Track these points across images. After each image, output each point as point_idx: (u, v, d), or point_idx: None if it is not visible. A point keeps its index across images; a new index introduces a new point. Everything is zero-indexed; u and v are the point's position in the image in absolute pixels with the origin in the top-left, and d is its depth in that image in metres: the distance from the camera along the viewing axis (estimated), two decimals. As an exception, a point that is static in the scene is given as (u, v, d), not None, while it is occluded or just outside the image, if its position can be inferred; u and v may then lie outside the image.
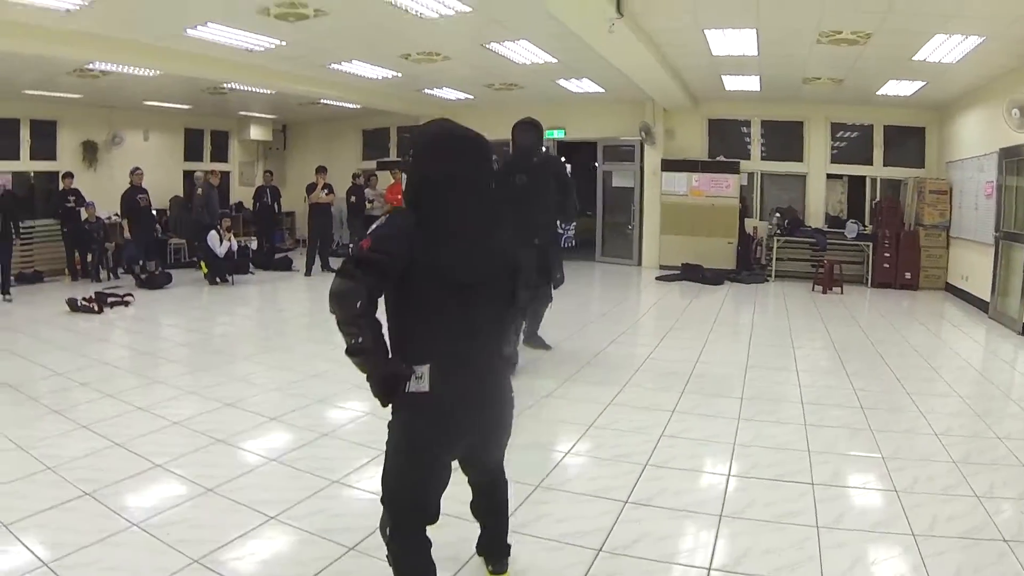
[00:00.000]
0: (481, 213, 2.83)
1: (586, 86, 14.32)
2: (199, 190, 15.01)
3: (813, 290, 13.35)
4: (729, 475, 4.76)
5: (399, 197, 16.00)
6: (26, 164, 15.83)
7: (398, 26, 9.77)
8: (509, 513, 3.44)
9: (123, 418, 5.70)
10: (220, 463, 4.82)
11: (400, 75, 13.51)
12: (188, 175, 18.14)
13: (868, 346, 8.91)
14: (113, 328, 10.05)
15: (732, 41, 10.14)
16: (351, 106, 17.16)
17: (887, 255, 13.99)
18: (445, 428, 2.76)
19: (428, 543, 2.87)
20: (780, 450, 5.18)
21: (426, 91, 15.54)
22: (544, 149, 7.52)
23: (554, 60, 11.80)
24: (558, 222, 7.83)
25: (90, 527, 3.81)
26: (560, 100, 15.78)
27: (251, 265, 15.40)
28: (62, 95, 14.79)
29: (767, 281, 14.47)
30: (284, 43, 10.70)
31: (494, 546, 3.35)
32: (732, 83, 13.37)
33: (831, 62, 11.04)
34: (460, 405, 2.75)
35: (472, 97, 15.98)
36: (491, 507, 3.30)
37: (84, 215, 14.31)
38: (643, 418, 5.87)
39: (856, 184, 15.77)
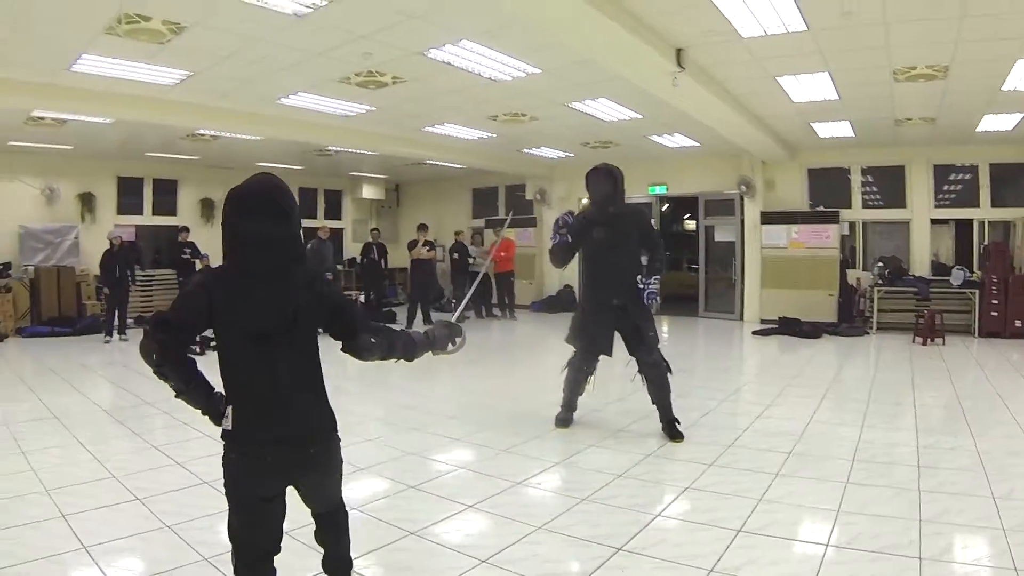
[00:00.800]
0: (269, 265, 2.95)
1: (680, 140, 14.50)
2: (310, 244, 16.31)
3: (913, 342, 12.77)
4: (828, 545, 4.29)
5: (502, 254, 16.90)
6: (149, 219, 17.68)
7: (475, 90, 10.44)
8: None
9: (192, 443, 6.47)
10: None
11: (495, 136, 14.22)
12: (305, 231, 19.40)
13: (956, 405, 8.08)
14: (207, 367, 11.02)
15: (808, 87, 10.14)
16: (457, 166, 17.98)
17: (995, 302, 13.34)
18: (247, 466, 2.94)
19: (270, 570, 3.08)
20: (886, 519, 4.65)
21: (525, 151, 16.29)
22: (622, 197, 6.72)
23: (639, 115, 12.13)
24: (638, 277, 6.99)
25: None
26: (658, 156, 16.01)
27: None
28: (181, 157, 16.40)
29: (867, 334, 14.08)
30: (374, 108, 11.60)
31: (337, 568, 3.43)
32: (824, 130, 13.29)
33: (918, 100, 10.77)
34: (259, 445, 2.92)
35: (572, 155, 16.53)
36: (330, 538, 3.40)
37: (199, 266, 15.69)
38: (743, 480, 5.53)
39: (963, 228, 15.27)
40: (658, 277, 7.58)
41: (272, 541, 3.07)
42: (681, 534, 4.53)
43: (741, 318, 16.15)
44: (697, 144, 14.76)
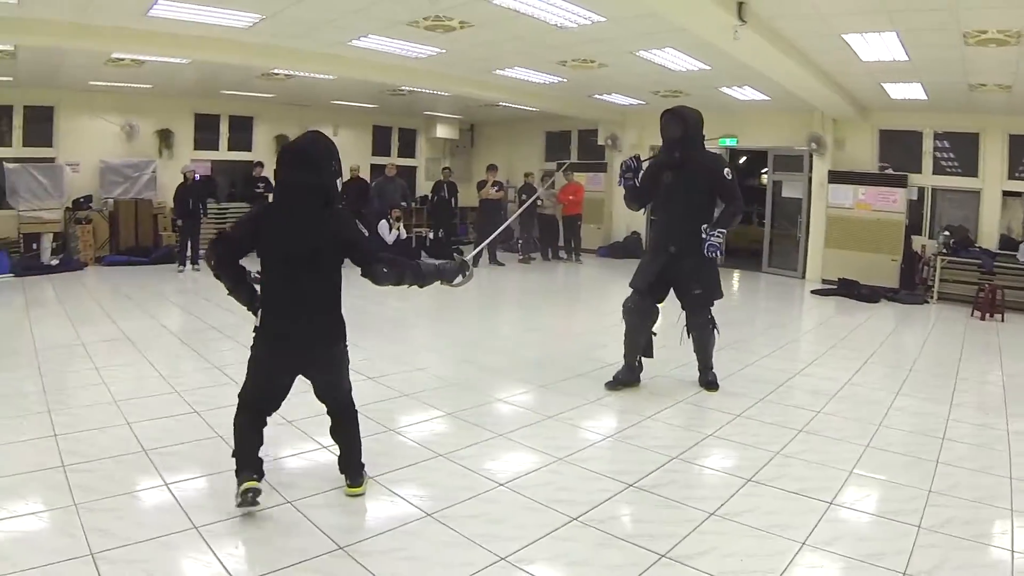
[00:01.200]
0: (300, 206, 4.04)
1: (750, 94, 14.39)
2: (375, 182, 17.24)
3: (972, 315, 12.40)
4: (831, 503, 4.44)
5: (571, 198, 17.10)
6: (224, 154, 18.41)
7: (542, 36, 10.54)
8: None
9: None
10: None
11: (565, 80, 14.29)
12: (376, 168, 20.11)
13: (999, 383, 7.89)
14: None
15: (876, 46, 9.87)
16: (530, 108, 18.10)
17: (1061, 281, 12.86)
18: (265, 354, 4.13)
19: (260, 422, 4.23)
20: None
21: (596, 96, 16.36)
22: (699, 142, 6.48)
23: (707, 67, 12.04)
24: (703, 227, 6.37)
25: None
26: (730, 108, 15.91)
27: (424, 254, 16.84)
28: (257, 95, 16.94)
29: (927, 303, 13.62)
30: (444, 51, 11.78)
31: (348, 466, 4.39)
32: (896, 91, 13.01)
33: (992, 66, 10.37)
34: (276, 341, 4.10)
35: (644, 103, 16.53)
36: (339, 433, 4.40)
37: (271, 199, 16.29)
38: (764, 433, 5.72)
39: (1038, 203, 14.75)
40: (723, 231, 6.32)
41: (268, 406, 4.26)
42: (691, 476, 4.91)
43: (803, 276, 16.02)
44: (767, 98, 14.58)
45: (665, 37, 10.39)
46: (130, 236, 15.72)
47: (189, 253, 14.54)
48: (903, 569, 3.63)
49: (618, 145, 18.99)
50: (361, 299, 9.49)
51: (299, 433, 5.29)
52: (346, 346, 4.27)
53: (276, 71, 13.73)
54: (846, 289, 13.93)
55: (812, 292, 14.12)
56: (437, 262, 4.41)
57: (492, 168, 16.76)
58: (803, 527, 4.09)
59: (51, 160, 15.54)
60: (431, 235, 18.05)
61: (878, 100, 14.15)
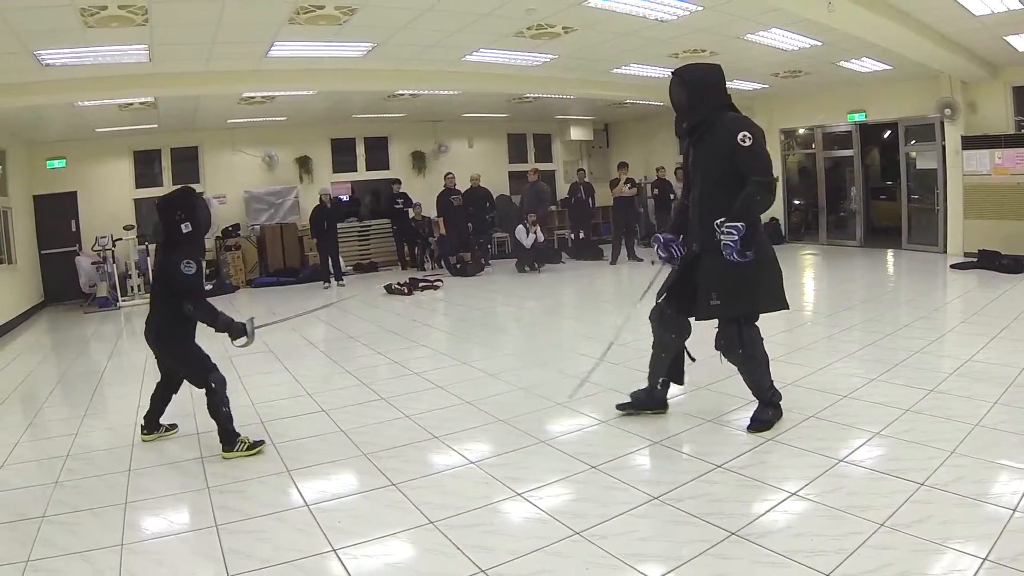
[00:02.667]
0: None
1: (870, 65, 14.14)
2: (525, 188, 18.16)
3: None
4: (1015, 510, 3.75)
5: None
6: (363, 174, 19.80)
7: (646, 31, 10.94)
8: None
9: (380, 368, 8.11)
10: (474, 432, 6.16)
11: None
12: (513, 176, 21.23)
13: None
14: (414, 306, 12.87)
15: None
16: (656, 103, 18.26)
17: None
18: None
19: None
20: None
21: (722, 86, 16.60)
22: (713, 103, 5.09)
23: (818, 42, 11.97)
24: (716, 224, 4.90)
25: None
26: (854, 81, 15.75)
27: (564, 255, 17.68)
28: (388, 115, 18.18)
29: None
30: (557, 56, 12.39)
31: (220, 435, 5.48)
32: (1022, 43, 12.24)
33: None
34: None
35: (766, 86, 16.54)
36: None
37: (412, 214, 17.63)
38: (867, 416, 5.40)
39: None
40: (734, 225, 4.70)
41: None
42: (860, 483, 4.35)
43: (944, 251, 15.42)
44: (890, 67, 14.28)
45: (766, 18, 10.51)
46: (277, 258, 17.27)
47: (332, 270, 15.87)
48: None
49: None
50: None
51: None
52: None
53: (400, 92, 14.79)
54: (987, 261, 13.21)
55: (952, 266, 13.47)
56: (228, 320, 5.50)
57: (623, 166, 17.28)
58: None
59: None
60: (572, 236, 18.73)
61: (1006, 55, 13.44)
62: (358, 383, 7.40)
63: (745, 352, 5.14)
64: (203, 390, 5.44)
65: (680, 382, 5.74)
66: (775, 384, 5.38)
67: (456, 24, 9.97)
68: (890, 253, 16.07)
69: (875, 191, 18.63)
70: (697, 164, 5.21)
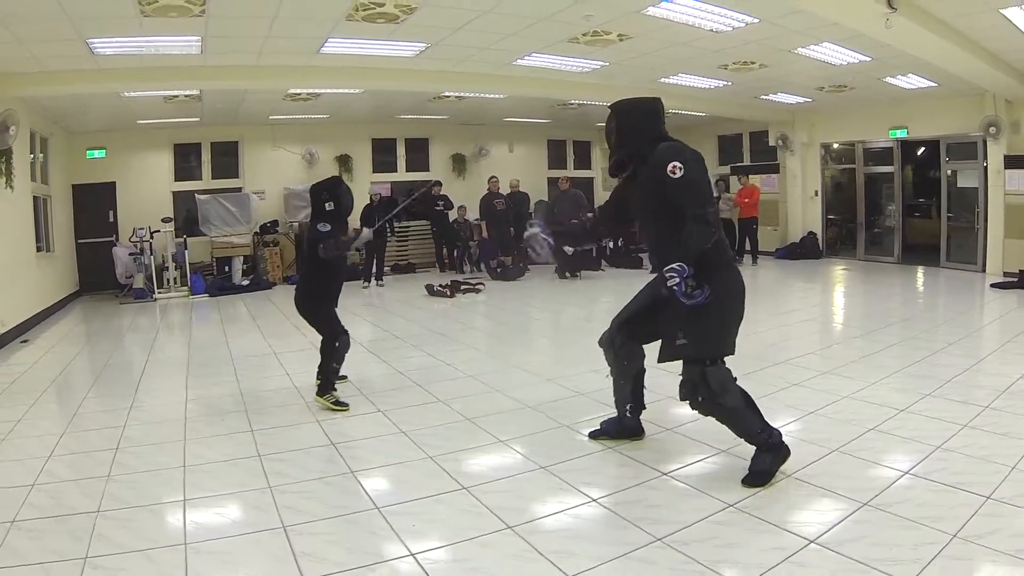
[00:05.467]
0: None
1: (916, 81, 14.11)
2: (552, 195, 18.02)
3: None
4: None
5: (746, 200, 17.40)
6: (403, 175, 19.82)
7: (699, 42, 10.94)
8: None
9: (437, 369, 8.02)
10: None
11: (729, 83, 14.53)
12: (552, 181, 21.04)
13: None
14: (457, 308, 12.81)
15: None
16: (698, 114, 18.33)
17: None
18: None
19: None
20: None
21: (763, 97, 16.43)
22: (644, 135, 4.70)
23: (867, 58, 11.98)
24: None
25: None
26: (897, 98, 15.69)
27: (603, 262, 17.54)
28: (431, 117, 18.17)
29: None
30: (607, 63, 12.38)
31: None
32: None
33: None
34: None
35: (811, 100, 16.48)
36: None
37: (452, 216, 17.68)
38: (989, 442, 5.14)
39: None
40: (676, 267, 4.23)
41: None
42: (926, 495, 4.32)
43: (983, 270, 15.27)
44: (935, 84, 14.22)
45: (821, 32, 10.49)
46: (315, 256, 17.04)
47: (375, 270, 15.98)
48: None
49: (789, 145, 18.92)
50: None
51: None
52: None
53: (447, 93, 14.81)
54: None
55: (992, 286, 13.31)
56: (351, 239, 7.02)
57: (666, 174, 17.09)
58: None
59: (238, 190, 17.32)
60: (611, 244, 18.59)
61: None
62: (412, 384, 7.34)
63: (710, 401, 4.51)
64: (329, 344, 6.61)
65: (641, 407, 5.43)
66: (768, 422, 4.70)
67: (513, 27, 9.91)
68: (928, 271, 15.97)
69: (909, 208, 18.49)
70: (635, 202, 4.86)
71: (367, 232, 7.50)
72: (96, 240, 16.01)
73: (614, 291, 14.35)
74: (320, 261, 6.43)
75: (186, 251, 15.46)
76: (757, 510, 4.12)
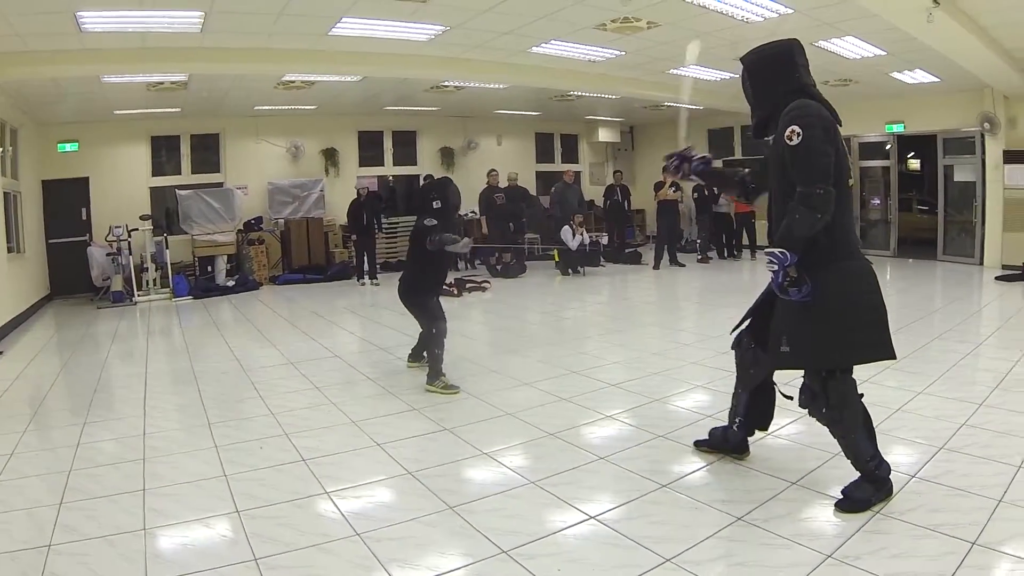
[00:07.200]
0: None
1: (920, 77, 14.11)
2: (553, 188, 17.54)
3: None
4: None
5: (745, 197, 17.08)
6: (389, 169, 19.08)
7: (726, 32, 10.50)
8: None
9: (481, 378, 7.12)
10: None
11: (736, 76, 14.04)
12: (540, 176, 20.72)
13: None
14: (470, 308, 12.26)
15: None
16: (694, 107, 18.03)
17: None
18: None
19: None
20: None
21: (764, 90, 16.14)
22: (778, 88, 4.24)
23: (883, 52, 11.88)
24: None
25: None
26: (897, 93, 15.64)
27: (602, 259, 17.09)
28: (420, 108, 17.48)
29: None
30: (623, 53, 11.95)
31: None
32: None
33: None
34: None
35: None
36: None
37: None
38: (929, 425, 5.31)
39: None
40: (775, 252, 3.80)
41: None
42: (941, 500, 4.15)
43: (981, 263, 15.52)
44: (938, 79, 14.18)
45: (849, 25, 10.26)
46: (302, 254, 16.38)
47: (367, 268, 15.26)
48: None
49: None
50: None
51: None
52: None
53: (447, 83, 14.11)
54: None
55: (996, 278, 13.47)
56: (452, 238, 6.95)
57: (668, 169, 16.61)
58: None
59: (219, 185, 16.35)
60: (604, 239, 18.17)
61: None
62: (470, 397, 6.65)
63: (830, 412, 4.00)
64: (428, 331, 7.08)
65: (764, 427, 4.79)
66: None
67: (546, 8, 9.36)
68: (925, 264, 16.07)
69: (904, 202, 18.71)
70: (770, 170, 4.23)
71: (467, 240, 7.32)
72: (68, 239, 14.99)
73: (630, 288, 14.48)
74: (424, 254, 6.98)
75: (167, 250, 14.49)
76: (766, 523, 3.90)
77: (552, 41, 11.12)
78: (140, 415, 6.36)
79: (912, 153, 18.37)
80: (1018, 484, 4.16)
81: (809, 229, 3.76)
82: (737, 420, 4.76)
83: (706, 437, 5.03)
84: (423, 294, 7.18)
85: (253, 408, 6.49)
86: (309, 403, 6.62)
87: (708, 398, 6.33)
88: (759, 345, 4.45)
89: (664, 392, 6.57)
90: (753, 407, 4.69)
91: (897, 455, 4.59)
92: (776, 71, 4.22)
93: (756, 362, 4.53)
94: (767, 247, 3.92)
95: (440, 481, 4.69)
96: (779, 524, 3.86)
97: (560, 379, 7.19)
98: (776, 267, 3.80)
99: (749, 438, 4.83)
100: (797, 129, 3.84)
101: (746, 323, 4.61)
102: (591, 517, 4.09)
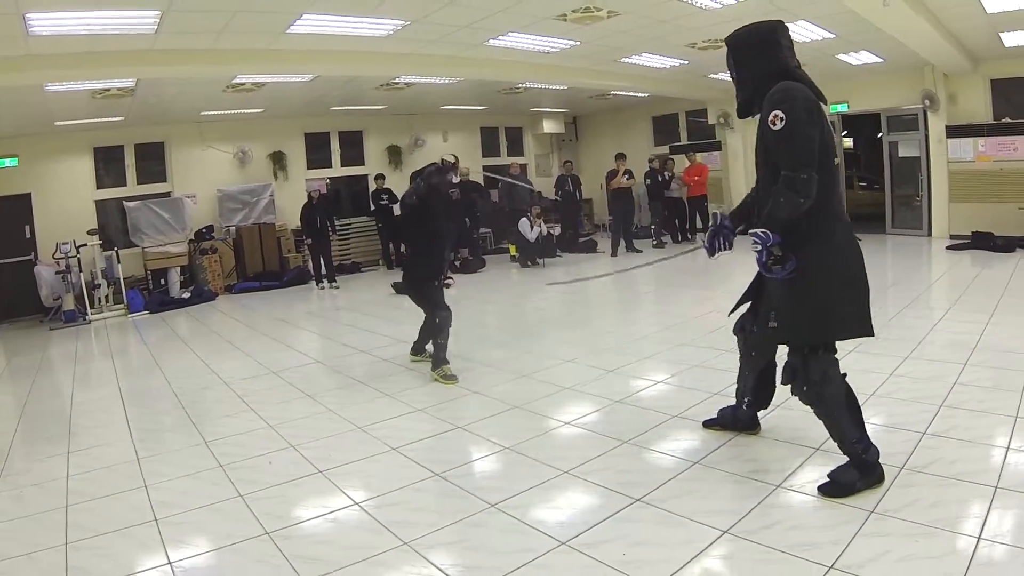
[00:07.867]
0: None
1: (864, 58, 14.38)
2: (500, 183, 17.68)
3: None
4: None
5: (696, 178, 17.20)
6: (337, 170, 18.87)
7: (684, 19, 10.58)
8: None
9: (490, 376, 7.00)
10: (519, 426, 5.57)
11: (687, 63, 14.24)
12: (486, 169, 20.29)
13: None
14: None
15: None
16: (640, 95, 18.20)
17: None
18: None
19: None
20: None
21: (711, 76, 16.26)
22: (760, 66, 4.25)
23: (832, 35, 12.01)
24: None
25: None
26: (841, 74, 15.87)
27: (557, 249, 17.13)
28: (367, 108, 17.29)
29: None
30: (579, 43, 11.86)
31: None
32: (1011, 39, 12.77)
33: None
34: None
35: None
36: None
37: (397, 211, 16.51)
38: (923, 388, 5.63)
39: None
40: (758, 232, 3.85)
41: None
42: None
43: (929, 234, 16.00)
44: (881, 60, 14.51)
45: (802, 10, 10.34)
46: (256, 261, 16.09)
47: (324, 271, 15.06)
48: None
49: (730, 122, 18.96)
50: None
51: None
52: None
53: (397, 80, 13.88)
54: (980, 242, 13.97)
55: (947, 248, 14.06)
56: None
57: (621, 157, 16.80)
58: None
59: (167, 195, 15.97)
60: (557, 230, 18.18)
61: (991, 49, 13.87)
62: (493, 400, 6.41)
63: (811, 390, 4.07)
64: (430, 320, 7.32)
65: (764, 406, 4.96)
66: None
67: (505, 2, 9.23)
68: (876, 238, 16.22)
69: (850, 179, 19.20)
70: (756, 153, 4.23)
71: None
72: (13, 260, 14.49)
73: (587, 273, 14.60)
74: (418, 245, 7.37)
75: (118, 265, 14.07)
76: (803, 488, 4.13)
77: (510, 33, 10.97)
78: (127, 439, 6.11)
79: (844, 132, 18.56)
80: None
81: (793, 212, 3.83)
82: (746, 400, 4.95)
83: (715, 416, 5.22)
84: (422, 281, 7.36)
85: (248, 422, 6.28)
86: (307, 412, 6.45)
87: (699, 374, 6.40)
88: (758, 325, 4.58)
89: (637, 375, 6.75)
90: (759, 387, 4.87)
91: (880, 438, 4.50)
92: (760, 51, 4.23)
93: (761, 346, 4.64)
94: (751, 228, 3.96)
95: (471, 480, 4.66)
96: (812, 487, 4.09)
97: (558, 368, 7.31)
98: (760, 247, 3.88)
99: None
100: (780, 114, 3.88)
101: (745, 306, 4.72)
102: (637, 500, 4.15)
